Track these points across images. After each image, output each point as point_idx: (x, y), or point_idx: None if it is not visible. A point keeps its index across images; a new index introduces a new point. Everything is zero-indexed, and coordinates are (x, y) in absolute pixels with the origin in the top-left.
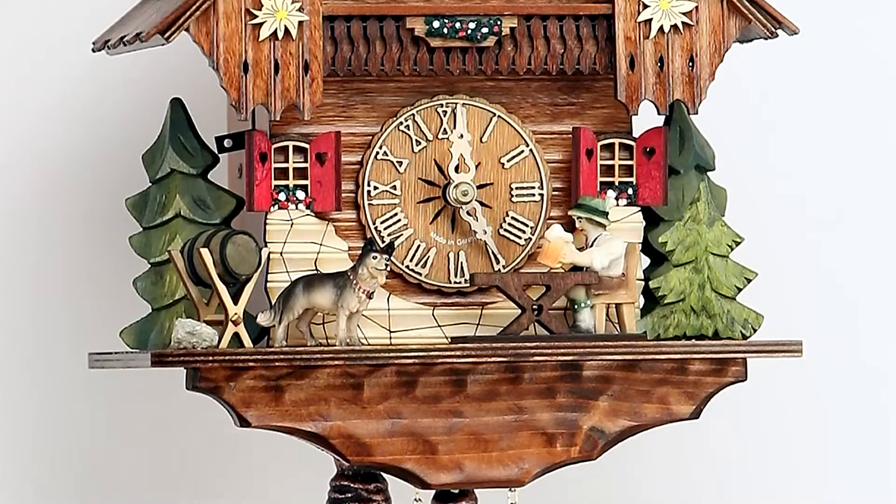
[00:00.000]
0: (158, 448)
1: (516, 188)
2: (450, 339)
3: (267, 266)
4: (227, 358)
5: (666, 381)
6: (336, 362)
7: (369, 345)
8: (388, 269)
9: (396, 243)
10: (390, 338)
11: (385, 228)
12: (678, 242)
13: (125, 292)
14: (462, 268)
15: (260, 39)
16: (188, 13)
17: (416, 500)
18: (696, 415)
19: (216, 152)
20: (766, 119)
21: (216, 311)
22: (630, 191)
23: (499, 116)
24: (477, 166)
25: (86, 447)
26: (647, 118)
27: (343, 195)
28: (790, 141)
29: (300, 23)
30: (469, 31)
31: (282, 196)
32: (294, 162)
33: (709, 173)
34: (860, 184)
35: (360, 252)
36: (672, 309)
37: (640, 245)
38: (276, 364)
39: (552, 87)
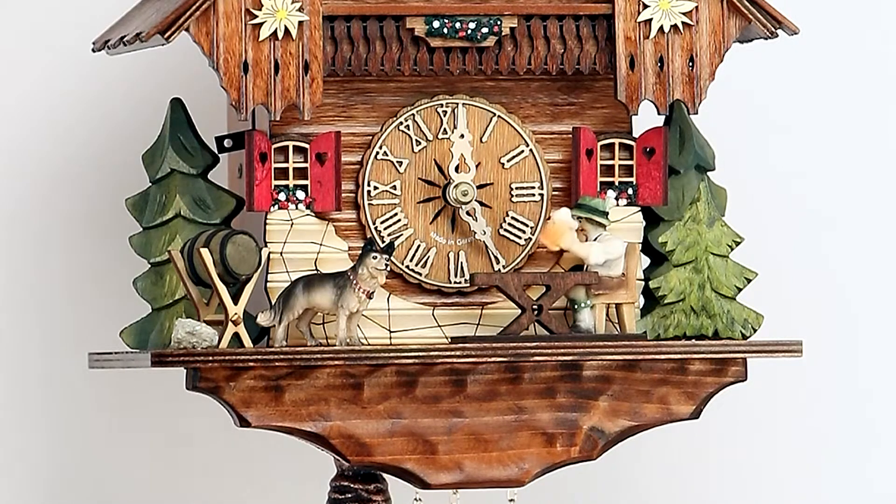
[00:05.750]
0: (158, 448)
1: (516, 188)
2: (450, 339)
3: (267, 266)
4: (227, 358)
5: (666, 381)
6: (336, 362)
7: (369, 345)
8: (388, 269)
9: (396, 243)
10: (390, 338)
11: (385, 228)
12: (678, 242)
13: (125, 292)
14: (462, 268)
15: (260, 39)
16: (188, 13)
17: (416, 499)
18: (696, 415)
19: (216, 152)
20: (766, 119)
21: (216, 311)
22: (630, 191)
23: (499, 116)
24: (477, 166)
25: (86, 447)
26: (647, 118)
27: (343, 195)
28: (790, 141)
29: (300, 23)
30: (469, 31)
31: (282, 196)
32: (294, 162)
33: (709, 173)
34: (860, 183)
35: (360, 252)
36: (672, 309)
37: (640, 245)
38: (276, 364)
39: (552, 87)
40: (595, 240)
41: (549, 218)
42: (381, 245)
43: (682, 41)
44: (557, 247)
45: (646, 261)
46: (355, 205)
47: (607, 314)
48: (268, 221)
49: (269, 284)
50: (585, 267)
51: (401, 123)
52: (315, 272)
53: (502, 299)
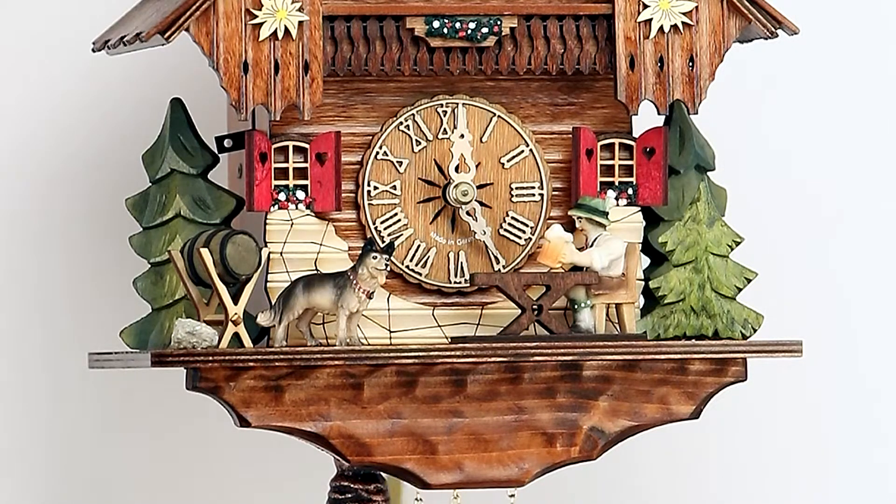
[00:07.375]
0: (158, 448)
1: (516, 188)
2: (450, 339)
3: (267, 266)
4: (227, 358)
5: (666, 381)
6: (336, 362)
7: (369, 345)
8: (388, 269)
9: (396, 243)
10: (390, 338)
11: (385, 228)
12: (678, 242)
13: (125, 292)
14: (462, 268)
15: (260, 39)
16: (188, 13)
17: (416, 499)
18: (696, 415)
19: (216, 152)
20: (766, 119)
21: (216, 311)
22: (630, 191)
23: (499, 116)
24: (477, 166)
25: (86, 447)
26: (647, 118)
27: (343, 195)
28: (790, 141)
29: (300, 23)
30: (469, 31)
31: (282, 196)
32: (294, 162)
33: (709, 173)
34: (861, 183)
35: (360, 252)
36: (672, 309)
37: (640, 245)
38: (276, 364)
39: (552, 87)
40: (595, 241)
41: (542, 237)
42: (381, 245)
43: (682, 41)
44: (559, 264)
45: (646, 261)
46: (355, 205)
47: (607, 314)
48: (268, 221)
49: (269, 284)
50: (585, 267)
51: (401, 123)
52: (315, 272)
53: (502, 299)
